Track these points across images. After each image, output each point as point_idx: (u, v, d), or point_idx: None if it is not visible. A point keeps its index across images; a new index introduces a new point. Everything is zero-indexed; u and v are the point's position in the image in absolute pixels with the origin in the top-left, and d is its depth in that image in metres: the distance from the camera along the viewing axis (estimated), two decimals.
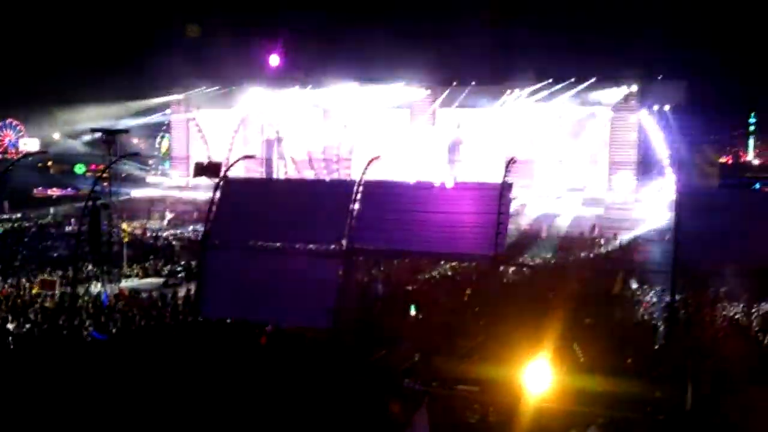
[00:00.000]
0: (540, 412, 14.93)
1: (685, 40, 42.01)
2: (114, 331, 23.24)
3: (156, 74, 55.65)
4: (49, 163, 67.15)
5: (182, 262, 35.40)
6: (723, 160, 47.75)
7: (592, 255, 36.11)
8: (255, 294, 21.09)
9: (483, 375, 16.56)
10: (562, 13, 44.77)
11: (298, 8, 53.11)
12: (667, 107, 49.49)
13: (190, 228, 47.79)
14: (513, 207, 30.88)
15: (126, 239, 36.80)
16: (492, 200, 21.17)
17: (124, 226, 38.70)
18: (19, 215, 50.89)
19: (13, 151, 66.50)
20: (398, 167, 51.91)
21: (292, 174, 58.41)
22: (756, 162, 47.22)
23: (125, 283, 31.69)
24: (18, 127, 68.58)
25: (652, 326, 22.35)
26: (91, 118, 52.79)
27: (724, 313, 23.95)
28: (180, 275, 33.33)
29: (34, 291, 28.75)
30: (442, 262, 30.75)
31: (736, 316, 23.57)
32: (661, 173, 45.39)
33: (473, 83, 53.83)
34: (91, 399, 16.02)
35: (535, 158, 50.62)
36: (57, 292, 28.44)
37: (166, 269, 34.83)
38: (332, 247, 21.49)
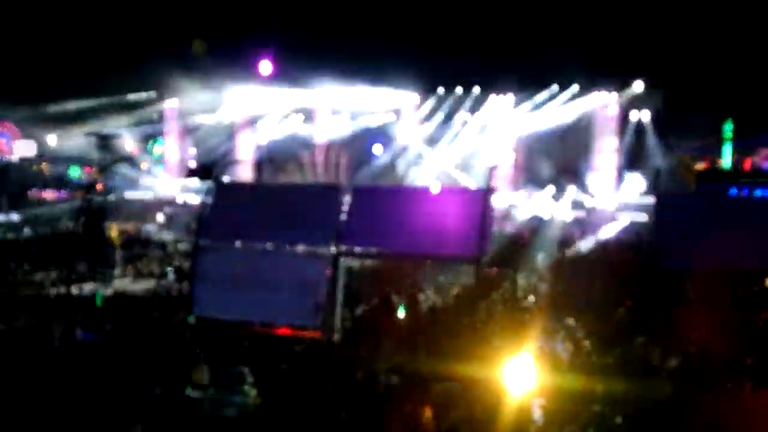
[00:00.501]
0: (523, 411, 15.41)
1: (663, 48, 42.62)
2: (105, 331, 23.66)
3: (148, 79, 56.00)
4: (44, 166, 67.14)
5: (174, 263, 35.85)
6: (699, 166, 48.32)
7: (573, 258, 36.61)
8: (245, 294, 21.66)
9: (467, 373, 16.92)
10: (544, 21, 45.35)
11: (289, 12, 53.40)
12: (646, 114, 50.44)
13: (182, 230, 48.16)
14: (497, 212, 31.41)
15: (117, 241, 37.22)
16: (476, 205, 21.85)
17: (115, 228, 39.12)
18: (14, 216, 51.23)
19: (7, 149, 66.23)
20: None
21: (283, 178, 58.71)
22: (732, 168, 47.89)
23: (118, 284, 32.11)
24: (8, 132, 68.43)
25: (632, 325, 22.76)
26: (86, 121, 53.11)
27: (703, 312, 24.34)
28: (170, 276, 33.76)
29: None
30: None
31: (714, 316, 24.00)
32: (640, 178, 46.18)
33: (459, 90, 54.47)
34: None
35: (518, 164, 51.49)
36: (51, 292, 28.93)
37: (158, 270, 35.28)
38: (321, 248, 22.05)
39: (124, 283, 33.15)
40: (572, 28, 42.92)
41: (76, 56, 51.52)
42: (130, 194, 56.97)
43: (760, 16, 39.71)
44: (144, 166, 61.72)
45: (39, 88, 55.22)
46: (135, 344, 21.32)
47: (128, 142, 60.84)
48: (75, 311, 25.07)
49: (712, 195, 28.38)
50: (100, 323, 24.27)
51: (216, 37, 50.97)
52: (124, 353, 19.99)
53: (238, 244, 22.79)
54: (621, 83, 49.82)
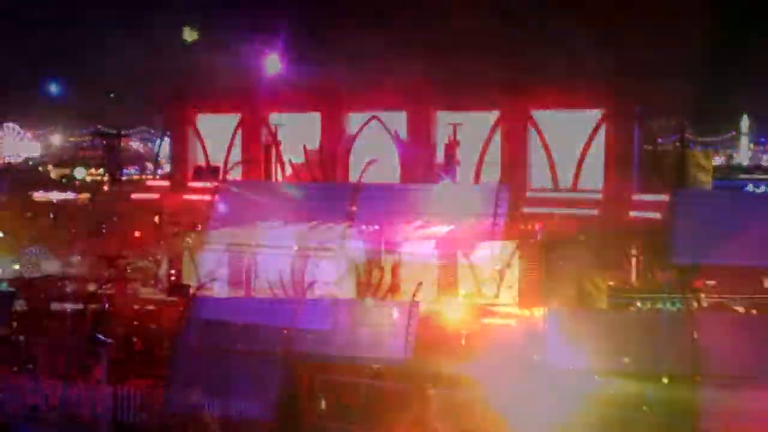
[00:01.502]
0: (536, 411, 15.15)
1: (679, 44, 42.24)
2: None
3: (155, 78, 55.85)
4: (50, 167, 67.08)
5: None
6: (716, 161, 48.02)
7: (585, 254, 36.17)
8: (253, 296, 21.39)
9: (479, 375, 16.67)
10: (554, 14, 45.00)
11: (296, 8, 53.20)
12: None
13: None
14: None
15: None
16: (489, 201, 21.58)
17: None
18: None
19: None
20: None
21: (290, 177, 58.36)
22: (748, 163, 47.57)
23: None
24: (17, 130, 68.54)
25: (649, 324, 22.40)
26: (91, 122, 53.01)
27: (721, 309, 23.98)
28: (173, 277, 33.33)
29: None
30: None
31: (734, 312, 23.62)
32: (654, 174, 45.63)
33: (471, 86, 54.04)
34: None
35: (529, 161, 50.90)
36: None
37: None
38: (330, 247, 21.78)
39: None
40: (584, 18, 42.44)
41: (83, 53, 51.60)
42: (136, 195, 56.79)
43: None
44: (150, 166, 61.49)
45: (46, 89, 55.36)
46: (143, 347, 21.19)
47: (135, 143, 60.76)
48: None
49: (727, 191, 28.17)
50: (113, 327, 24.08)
51: (226, 34, 50.78)
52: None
53: (244, 244, 22.52)
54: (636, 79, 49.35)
